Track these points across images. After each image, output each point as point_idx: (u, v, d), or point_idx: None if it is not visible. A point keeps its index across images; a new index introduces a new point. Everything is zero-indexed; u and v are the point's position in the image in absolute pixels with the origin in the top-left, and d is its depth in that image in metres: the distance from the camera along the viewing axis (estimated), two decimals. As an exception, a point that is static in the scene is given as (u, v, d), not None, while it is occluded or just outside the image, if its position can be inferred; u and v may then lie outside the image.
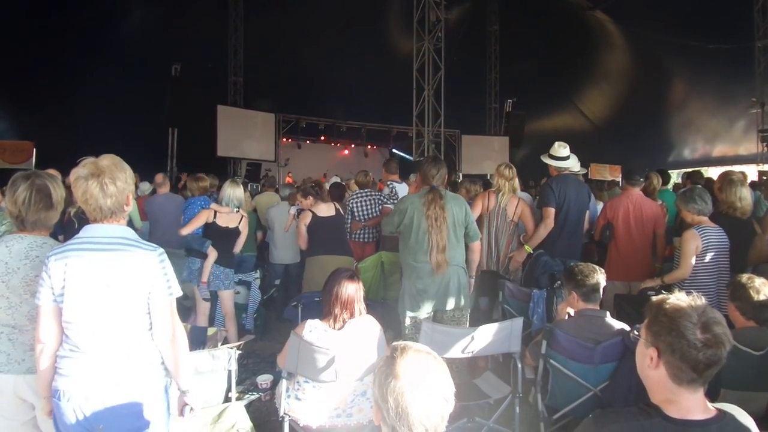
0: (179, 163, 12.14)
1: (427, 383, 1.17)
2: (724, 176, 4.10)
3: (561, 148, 4.56)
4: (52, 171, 3.06)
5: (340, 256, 4.55)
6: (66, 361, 1.87)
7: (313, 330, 2.66)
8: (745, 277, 2.65)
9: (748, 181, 7.09)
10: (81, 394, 1.83)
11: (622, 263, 4.31)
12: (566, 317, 2.91)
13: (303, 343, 2.57)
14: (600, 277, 2.81)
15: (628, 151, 13.91)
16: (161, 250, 1.93)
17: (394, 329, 3.70)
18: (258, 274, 5.46)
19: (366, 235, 5.64)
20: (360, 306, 2.75)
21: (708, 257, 3.53)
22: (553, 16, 15.08)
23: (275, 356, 3.06)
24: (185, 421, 2.09)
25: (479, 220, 4.44)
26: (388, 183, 5.75)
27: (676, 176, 10.93)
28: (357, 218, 5.54)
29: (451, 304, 3.40)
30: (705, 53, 12.02)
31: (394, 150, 17.89)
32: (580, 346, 2.64)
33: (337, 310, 2.67)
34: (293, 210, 5.61)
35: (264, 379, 3.87)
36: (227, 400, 2.94)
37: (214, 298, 4.73)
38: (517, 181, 4.50)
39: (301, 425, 2.64)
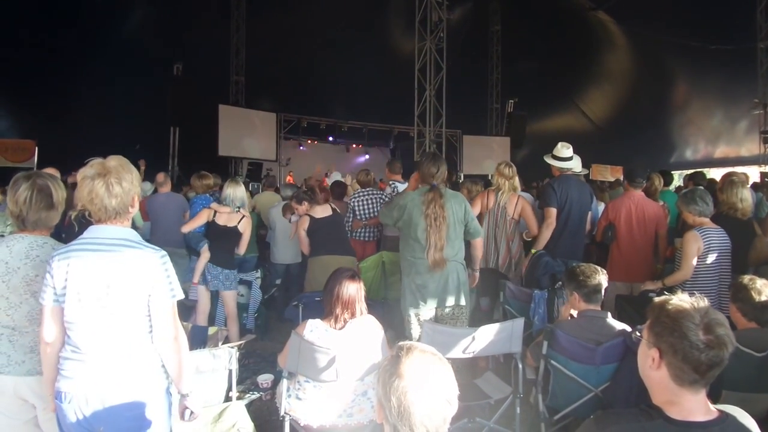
0: (180, 163, 12.14)
1: (431, 384, 1.17)
2: (726, 177, 4.10)
3: (564, 149, 4.56)
4: (51, 170, 3.06)
5: (342, 256, 4.53)
6: (68, 362, 1.87)
7: (314, 330, 2.67)
8: (746, 279, 2.64)
9: (751, 182, 7.10)
10: (82, 396, 1.83)
11: (624, 264, 4.30)
12: (569, 319, 2.91)
13: (304, 343, 2.58)
14: (602, 278, 2.81)
15: (630, 151, 13.89)
16: (164, 252, 1.93)
17: (395, 329, 3.70)
18: (259, 274, 5.46)
19: (367, 234, 5.64)
20: (361, 306, 2.75)
21: (710, 259, 3.53)
22: (555, 16, 15.07)
23: (276, 356, 3.06)
24: (186, 424, 2.08)
25: (479, 219, 4.43)
26: (391, 182, 5.75)
27: (677, 177, 10.94)
28: (358, 217, 5.54)
29: (450, 300, 3.40)
30: (707, 54, 12.00)
31: (394, 150, 17.92)
32: (582, 347, 2.63)
33: (338, 310, 2.68)
34: (294, 218, 5.60)
35: (265, 379, 3.87)
36: (228, 399, 2.93)
37: (215, 298, 4.74)
38: (517, 180, 4.50)
39: (301, 425, 2.64)
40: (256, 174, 13.52)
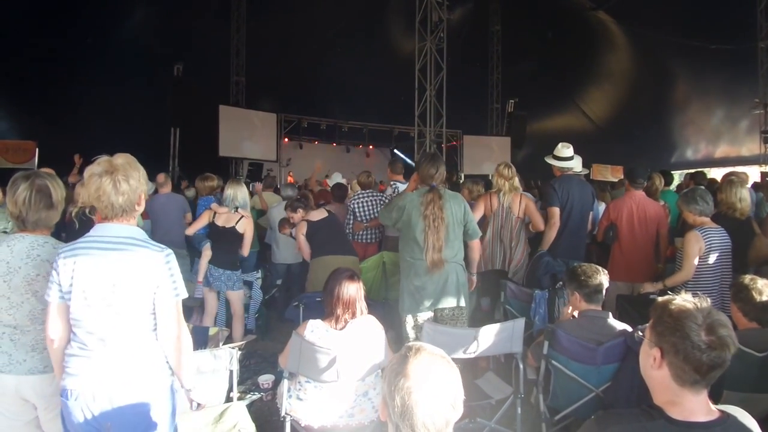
0: (181, 163, 12.14)
1: (436, 386, 1.16)
2: (725, 177, 4.10)
3: (564, 149, 4.57)
4: (46, 170, 3.06)
5: (344, 256, 4.51)
6: (74, 359, 1.88)
7: (314, 330, 2.67)
8: (747, 279, 2.64)
9: (751, 182, 7.10)
10: (88, 393, 1.84)
11: (625, 264, 4.30)
12: (570, 319, 2.91)
13: (305, 343, 2.58)
14: (603, 278, 2.81)
15: (631, 151, 13.87)
16: (169, 251, 1.94)
17: (395, 329, 3.70)
18: (260, 274, 5.47)
19: (368, 236, 5.63)
20: (361, 305, 2.75)
21: (711, 258, 3.53)
22: (555, 16, 15.05)
23: (277, 356, 3.06)
24: (189, 418, 2.09)
25: (483, 222, 4.43)
26: (392, 183, 5.74)
27: (678, 177, 10.93)
28: (359, 219, 5.54)
29: (449, 302, 3.39)
30: (708, 53, 11.99)
31: (395, 151, 17.90)
32: (582, 347, 2.63)
33: (339, 311, 2.68)
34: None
35: (265, 379, 3.87)
36: (229, 399, 2.93)
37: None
38: (517, 180, 4.49)
39: (302, 425, 2.64)
40: (256, 174, 13.51)
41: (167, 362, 1.96)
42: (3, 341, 2.07)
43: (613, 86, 16.00)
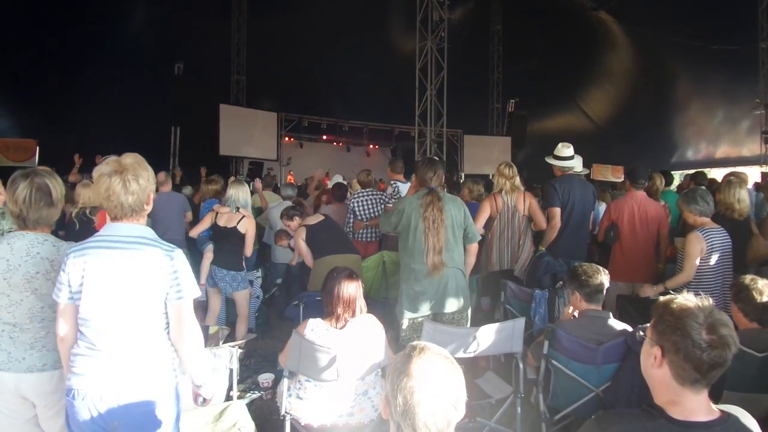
0: (182, 162, 12.13)
1: (439, 386, 1.16)
2: (725, 177, 4.11)
3: (565, 148, 4.57)
4: (44, 168, 3.06)
5: (346, 255, 4.49)
6: (80, 359, 1.88)
7: (314, 329, 2.67)
8: (747, 279, 2.64)
9: (752, 182, 7.10)
10: (96, 393, 1.84)
11: (626, 264, 4.30)
12: (570, 318, 2.91)
13: (305, 342, 2.58)
14: (604, 278, 2.81)
15: (631, 151, 13.87)
16: (179, 250, 1.95)
17: (395, 329, 3.70)
18: (259, 273, 5.47)
19: (369, 235, 5.63)
20: (360, 303, 2.75)
21: (712, 259, 3.53)
22: (556, 16, 15.04)
23: (277, 355, 3.06)
24: (189, 417, 2.10)
25: (489, 222, 4.43)
26: (392, 183, 5.74)
27: (678, 177, 10.93)
28: (359, 218, 5.54)
29: (450, 306, 3.36)
30: (708, 54, 11.98)
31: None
32: (582, 347, 2.63)
33: (339, 310, 2.68)
34: (293, 242, 5.59)
35: (265, 378, 3.87)
36: (229, 398, 2.94)
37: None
38: (518, 180, 4.49)
39: (302, 424, 2.64)
40: (256, 174, 13.50)
41: (174, 361, 1.97)
42: (2, 339, 2.07)
43: (613, 86, 16.00)
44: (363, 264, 4.59)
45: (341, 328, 2.67)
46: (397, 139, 17.43)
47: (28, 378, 2.06)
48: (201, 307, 4.79)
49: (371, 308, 2.89)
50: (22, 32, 10.25)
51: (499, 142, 16.51)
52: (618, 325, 2.74)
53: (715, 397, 1.65)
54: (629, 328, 2.69)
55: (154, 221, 5.83)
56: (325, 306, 2.76)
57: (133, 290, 1.86)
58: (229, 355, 2.97)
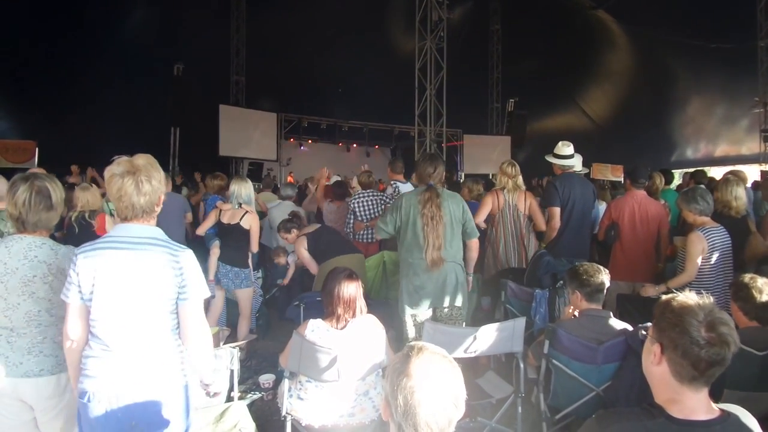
0: (181, 163, 12.14)
1: (439, 385, 1.16)
2: (723, 176, 4.11)
3: (565, 147, 4.57)
4: (38, 170, 3.07)
5: (350, 255, 4.47)
6: (93, 361, 1.88)
7: (315, 330, 2.67)
8: (747, 278, 2.64)
9: (751, 181, 7.10)
10: (112, 394, 1.84)
11: (627, 263, 4.30)
12: (570, 318, 2.91)
13: (305, 343, 2.58)
14: (604, 278, 2.81)
15: (631, 150, 13.87)
16: (190, 251, 1.96)
17: (396, 329, 3.70)
18: (260, 274, 5.46)
19: (369, 236, 5.63)
20: (360, 303, 2.75)
21: (713, 258, 3.53)
22: (555, 15, 15.06)
23: (277, 356, 3.06)
24: (195, 415, 2.12)
25: (491, 219, 4.44)
26: (392, 183, 5.74)
27: (678, 176, 10.93)
28: (359, 218, 5.54)
29: (448, 301, 3.39)
30: (708, 53, 12.00)
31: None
32: (583, 346, 2.63)
33: (340, 310, 2.68)
34: (291, 258, 5.59)
35: (266, 379, 3.87)
36: (229, 399, 2.94)
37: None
38: (520, 179, 4.51)
39: (303, 425, 2.64)
40: (256, 174, 13.51)
41: (183, 362, 1.97)
42: (0, 344, 2.07)
43: (613, 85, 16.01)
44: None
45: (342, 329, 2.67)
46: (397, 139, 17.45)
47: (25, 383, 2.06)
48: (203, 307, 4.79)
49: (372, 308, 2.89)
50: (21, 33, 10.25)
51: (498, 142, 16.51)
52: (618, 324, 2.74)
53: (716, 395, 1.65)
54: (630, 328, 2.69)
55: (154, 222, 5.86)
56: (326, 306, 2.76)
57: (144, 291, 1.86)
58: (229, 356, 2.97)
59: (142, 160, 1.93)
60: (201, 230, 4.79)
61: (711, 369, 1.31)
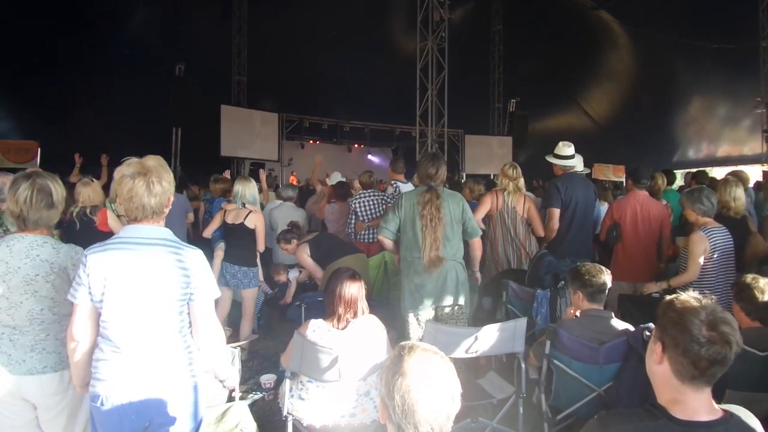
0: (183, 163, 12.15)
1: (434, 381, 1.17)
2: (724, 176, 4.11)
3: (566, 147, 4.56)
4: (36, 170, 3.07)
5: (353, 255, 4.48)
6: (104, 363, 1.88)
7: (316, 330, 2.67)
8: (749, 278, 2.64)
9: (753, 181, 7.09)
10: (125, 396, 1.85)
11: (629, 264, 4.29)
12: (572, 318, 2.91)
13: (307, 343, 2.58)
14: (606, 278, 2.81)
15: (632, 151, 13.87)
16: (200, 251, 1.97)
17: (397, 329, 3.70)
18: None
19: (370, 236, 5.63)
20: (362, 304, 2.75)
21: (715, 259, 3.53)
22: (557, 15, 15.03)
23: (279, 356, 3.06)
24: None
25: (489, 219, 4.44)
26: (393, 183, 5.74)
27: (680, 176, 10.92)
28: (361, 219, 5.54)
29: (449, 300, 3.39)
30: (710, 53, 11.97)
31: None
32: (584, 347, 2.63)
33: (341, 310, 2.68)
34: (292, 275, 5.58)
35: (267, 379, 3.87)
36: (231, 399, 2.94)
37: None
38: (521, 181, 4.50)
39: (304, 425, 2.64)
40: (257, 174, 13.51)
41: (191, 363, 1.98)
42: (2, 341, 2.07)
43: (614, 85, 15.99)
44: (365, 264, 4.59)
45: (343, 329, 2.67)
46: (399, 140, 17.44)
47: (29, 380, 2.07)
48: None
49: (373, 308, 2.89)
50: (23, 34, 10.26)
51: (500, 142, 16.49)
52: (620, 324, 2.73)
53: (718, 396, 1.65)
54: (631, 328, 2.69)
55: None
56: (327, 307, 2.76)
57: (155, 291, 1.87)
58: (231, 356, 2.97)
59: (153, 161, 1.94)
60: (207, 232, 4.78)
61: (712, 368, 1.30)
